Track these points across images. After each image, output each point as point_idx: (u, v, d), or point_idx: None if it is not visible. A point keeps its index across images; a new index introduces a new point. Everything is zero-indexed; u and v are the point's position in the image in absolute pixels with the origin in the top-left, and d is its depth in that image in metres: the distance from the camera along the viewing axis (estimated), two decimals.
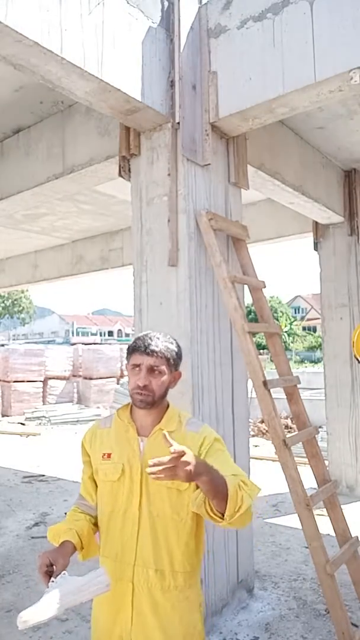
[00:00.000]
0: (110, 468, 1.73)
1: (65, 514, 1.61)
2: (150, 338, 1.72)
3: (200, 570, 1.77)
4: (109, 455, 1.75)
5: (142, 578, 1.65)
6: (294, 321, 46.03)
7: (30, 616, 1.39)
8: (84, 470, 1.85)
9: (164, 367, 1.70)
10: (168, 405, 1.80)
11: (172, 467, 1.36)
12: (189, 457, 1.38)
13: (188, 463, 1.37)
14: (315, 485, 3.43)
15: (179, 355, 1.78)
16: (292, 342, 41.98)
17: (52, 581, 1.48)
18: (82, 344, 23.30)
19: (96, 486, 1.81)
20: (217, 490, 1.48)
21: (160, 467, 1.35)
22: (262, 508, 5.61)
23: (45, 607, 1.41)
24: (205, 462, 1.49)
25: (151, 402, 1.70)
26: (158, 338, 1.73)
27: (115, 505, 1.71)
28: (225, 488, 1.48)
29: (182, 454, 1.37)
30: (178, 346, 1.79)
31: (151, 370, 1.69)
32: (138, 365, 1.70)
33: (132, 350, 1.73)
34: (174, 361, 1.75)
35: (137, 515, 1.67)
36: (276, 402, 3.15)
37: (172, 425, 1.75)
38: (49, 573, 1.52)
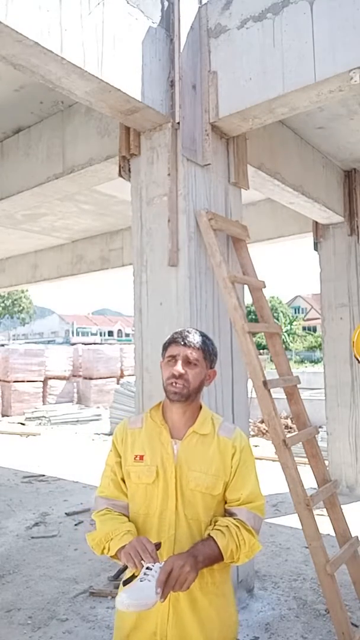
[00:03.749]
0: (144, 470, 1.70)
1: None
2: (187, 331, 1.74)
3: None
4: (141, 457, 1.72)
5: None
6: (293, 320, 46.04)
7: (133, 602, 1.40)
8: (114, 471, 1.79)
9: (200, 360, 1.70)
10: (201, 407, 1.78)
11: (177, 581, 1.43)
12: (178, 563, 1.45)
13: (182, 571, 1.44)
14: (315, 485, 3.43)
15: (214, 352, 1.78)
16: (292, 342, 41.98)
17: (149, 567, 1.46)
18: (82, 344, 23.34)
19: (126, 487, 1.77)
20: (215, 562, 1.59)
21: (167, 589, 1.42)
22: None
23: (147, 595, 1.41)
24: (195, 551, 1.53)
25: (186, 395, 1.68)
26: (196, 332, 1.75)
27: (150, 507, 1.69)
28: (221, 556, 1.57)
29: (169, 571, 1.43)
30: (214, 344, 1.79)
31: (187, 360, 1.69)
32: (174, 356, 1.70)
33: (169, 343, 1.73)
34: (210, 356, 1.75)
35: (174, 519, 1.66)
36: (276, 402, 3.15)
37: (205, 428, 1.74)
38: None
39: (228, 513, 1.71)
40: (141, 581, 1.43)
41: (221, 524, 1.64)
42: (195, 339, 1.72)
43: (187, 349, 1.69)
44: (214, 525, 1.65)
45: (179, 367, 1.67)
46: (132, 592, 1.42)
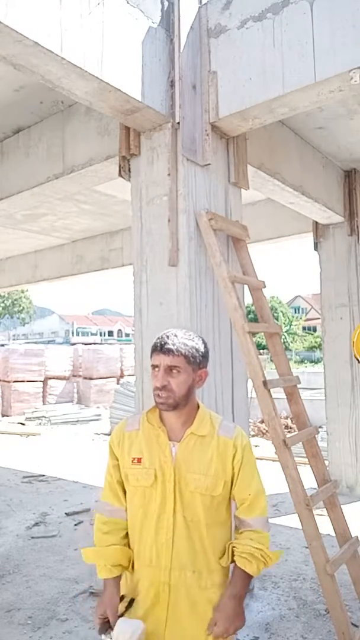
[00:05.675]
0: (142, 473, 1.68)
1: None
2: (167, 336, 1.65)
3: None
4: (139, 460, 1.70)
5: (179, 581, 1.64)
6: (293, 319, 46.02)
7: None
8: (111, 474, 1.78)
9: (182, 366, 1.63)
10: (199, 407, 1.75)
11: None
12: (225, 622, 1.65)
13: (231, 625, 1.65)
14: (315, 485, 3.43)
15: (201, 353, 1.69)
16: (292, 342, 41.97)
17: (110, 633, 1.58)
18: (82, 344, 23.33)
19: (124, 489, 1.76)
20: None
21: None
22: None
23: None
24: (234, 590, 1.68)
25: (172, 404, 1.64)
26: (176, 336, 1.65)
27: (148, 510, 1.68)
28: (250, 580, 1.70)
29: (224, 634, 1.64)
30: (203, 343, 1.71)
31: (169, 370, 1.63)
32: (157, 366, 1.65)
33: (152, 350, 1.68)
34: (195, 359, 1.66)
35: (172, 522, 1.65)
36: (276, 402, 3.15)
37: (204, 429, 1.70)
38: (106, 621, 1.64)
39: (241, 524, 1.72)
40: None
41: (243, 552, 1.66)
42: (174, 345, 1.63)
43: (167, 358, 1.62)
44: (235, 553, 1.68)
45: (160, 380, 1.63)
46: None
